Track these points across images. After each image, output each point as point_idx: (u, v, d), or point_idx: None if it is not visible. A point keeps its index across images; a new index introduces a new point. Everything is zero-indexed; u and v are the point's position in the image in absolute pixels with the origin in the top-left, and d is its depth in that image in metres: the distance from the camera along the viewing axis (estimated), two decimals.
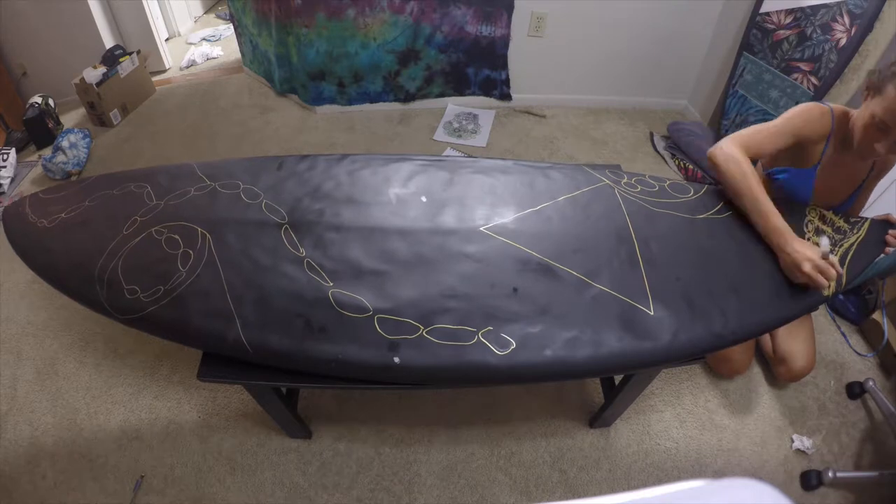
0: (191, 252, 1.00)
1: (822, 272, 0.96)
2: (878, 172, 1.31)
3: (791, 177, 1.26)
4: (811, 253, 0.98)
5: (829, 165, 1.24)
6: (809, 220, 1.14)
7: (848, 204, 1.32)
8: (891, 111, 1.05)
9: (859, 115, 1.14)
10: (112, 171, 1.24)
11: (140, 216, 1.08)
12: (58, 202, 1.14)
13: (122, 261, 0.99)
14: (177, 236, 1.03)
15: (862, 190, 1.32)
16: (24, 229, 1.09)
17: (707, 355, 1.05)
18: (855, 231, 1.12)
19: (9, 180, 2.31)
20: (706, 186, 1.22)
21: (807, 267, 0.96)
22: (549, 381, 1.36)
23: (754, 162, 1.18)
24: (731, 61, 2.28)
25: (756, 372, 1.61)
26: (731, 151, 1.13)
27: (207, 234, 1.03)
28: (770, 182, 1.29)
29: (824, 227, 1.13)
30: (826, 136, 1.21)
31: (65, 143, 2.31)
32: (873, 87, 1.10)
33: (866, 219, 1.15)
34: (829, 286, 0.98)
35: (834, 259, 0.98)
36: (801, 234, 1.09)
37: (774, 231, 1.04)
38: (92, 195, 1.14)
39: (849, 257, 1.06)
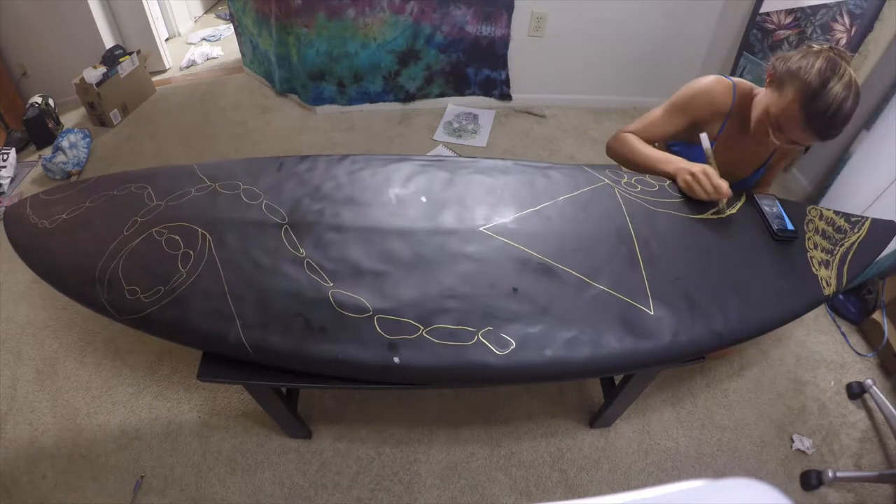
0: (191, 252, 1.00)
1: (698, 181, 1.07)
2: (781, 156, 1.26)
3: (682, 150, 1.25)
4: (689, 167, 1.10)
5: (727, 141, 1.19)
6: (810, 220, 1.14)
7: (751, 181, 1.27)
8: (786, 115, 1.00)
9: (758, 102, 1.08)
10: (112, 172, 1.24)
11: (140, 217, 1.08)
12: (59, 203, 1.14)
13: (122, 261, 0.99)
14: (177, 237, 1.03)
15: (766, 169, 1.27)
16: (26, 230, 1.09)
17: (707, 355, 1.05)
18: (856, 230, 1.12)
19: (9, 180, 2.31)
20: None
21: (685, 176, 1.09)
22: (549, 381, 1.36)
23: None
24: (731, 61, 2.28)
25: (757, 371, 1.61)
26: (617, 137, 1.24)
27: (208, 235, 1.03)
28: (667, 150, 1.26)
29: (825, 227, 1.13)
30: (724, 115, 1.17)
31: (65, 143, 2.31)
32: (775, 79, 1.04)
33: (867, 218, 1.15)
34: (721, 203, 1.09)
35: (712, 171, 1.08)
36: (801, 234, 1.09)
37: (664, 164, 1.15)
38: (92, 196, 1.14)
39: (849, 257, 1.06)
